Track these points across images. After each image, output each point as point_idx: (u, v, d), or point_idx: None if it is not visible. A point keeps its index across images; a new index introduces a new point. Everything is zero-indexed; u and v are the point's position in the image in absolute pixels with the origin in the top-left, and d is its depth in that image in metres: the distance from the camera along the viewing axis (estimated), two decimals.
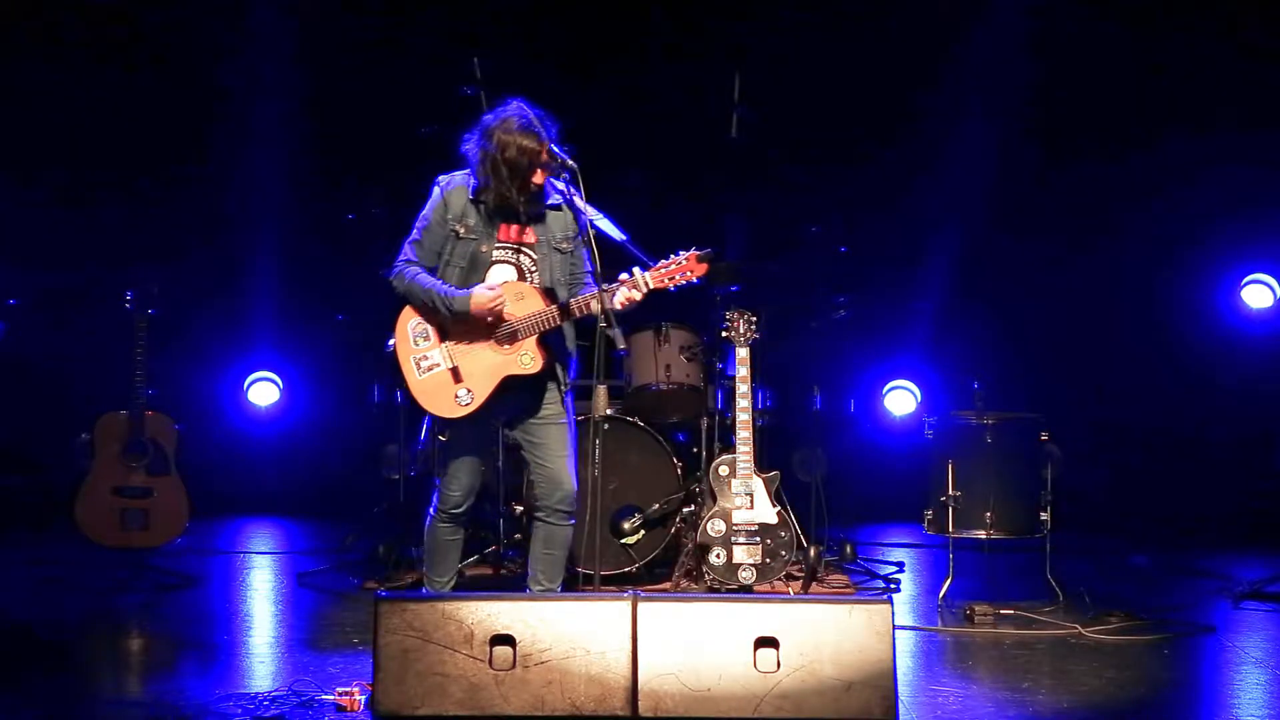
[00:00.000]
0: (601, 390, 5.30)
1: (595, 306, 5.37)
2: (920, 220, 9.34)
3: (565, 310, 5.46)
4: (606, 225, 5.71)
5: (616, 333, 5.40)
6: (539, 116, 5.44)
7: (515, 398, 5.57)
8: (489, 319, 5.44)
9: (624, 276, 5.48)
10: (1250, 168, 9.05)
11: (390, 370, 5.59)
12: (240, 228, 9.51)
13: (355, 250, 8.53)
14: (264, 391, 9.95)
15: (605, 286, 5.39)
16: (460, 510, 5.70)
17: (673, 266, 5.51)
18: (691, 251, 5.49)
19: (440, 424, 5.66)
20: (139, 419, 7.33)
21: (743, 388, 6.76)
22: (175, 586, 7.36)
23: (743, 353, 6.81)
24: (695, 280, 5.52)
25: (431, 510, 5.75)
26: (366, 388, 8.94)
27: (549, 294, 5.51)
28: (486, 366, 5.49)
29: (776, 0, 9.21)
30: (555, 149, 5.42)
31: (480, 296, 5.42)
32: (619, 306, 5.42)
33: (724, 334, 6.90)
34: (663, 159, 8.86)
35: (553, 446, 5.58)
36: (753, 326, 6.84)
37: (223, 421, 9.81)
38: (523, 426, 5.64)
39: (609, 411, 6.98)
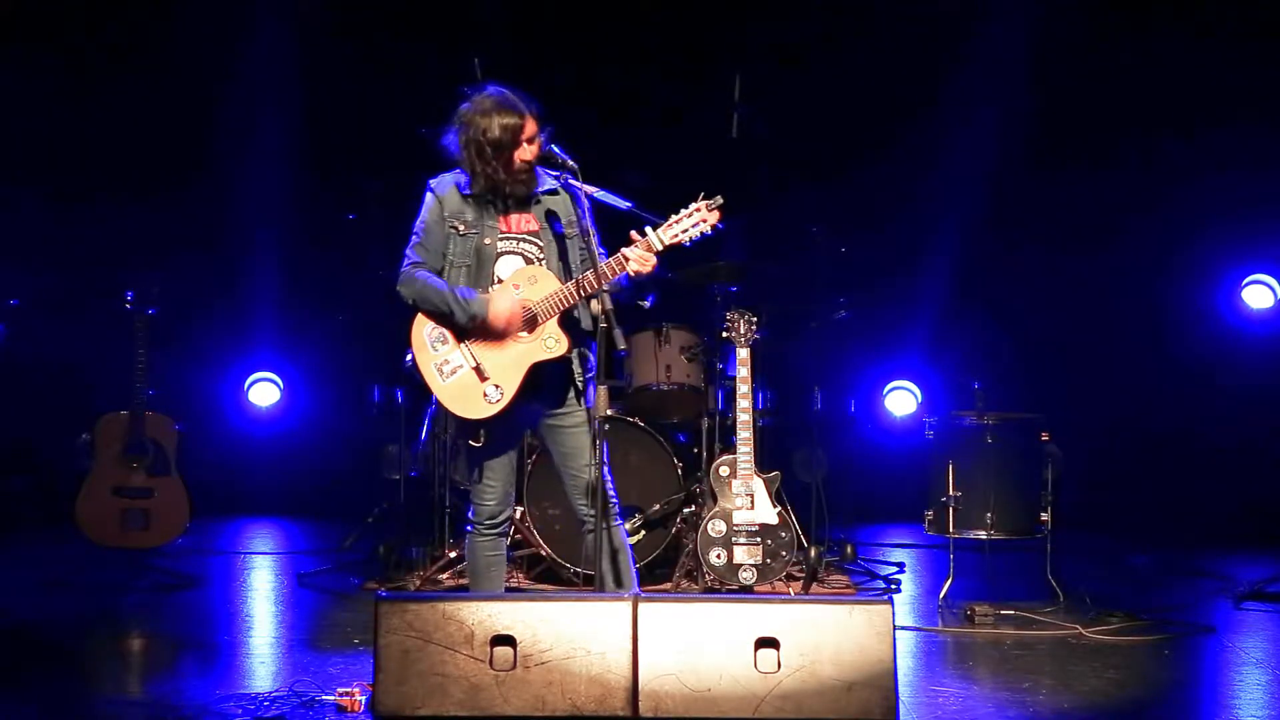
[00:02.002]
0: (602, 390, 5.20)
1: (616, 269, 5.17)
2: (921, 221, 9.35)
3: (582, 284, 5.21)
4: (606, 196, 5.38)
5: (618, 333, 5.36)
6: (519, 95, 5.28)
7: (541, 396, 5.35)
8: (505, 326, 5.25)
9: (635, 235, 5.23)
10: (1249, 169, 9.06)
11: (415, 383, 5.31)
12: (240, 228, 9.51)
13: (355, 251, 8.53)
14: (264, 391, 9.96)
15: (606, 267, 5.20)
16: (497, 521, 5.42)
17: (684, 219, 5.22)
18: (701, 200, 5.23)
19: (469, 430, 5.34)
20: (139, 419, 7.33)
21: (743, 388, 6.76)
22: (175, 586, 7.36)
23: (743, 353, 6.81)
24: (710, 230, 5.22)
25: (469, 527, 5.49)
26: (366, 388, 8.96)
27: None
28: (511, 357, 5.27)
29: (777, 2, 9.22)
30: (538, 126, 5.25)
31: (500, 306, 5.22)
32: (632, 273, 5.18)
33: (724, 334, 6.90)
34: (662, 160, 8.86)
35: (584, 455, 5.34)
36: (753, 327, 6.84)
37: (223, 421, 9.83)
38: (552, 435, 5.42)
39: (609, 412, 6.97)
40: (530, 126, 5.27)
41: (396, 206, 8.25)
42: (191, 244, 9.39)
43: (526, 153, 5.28)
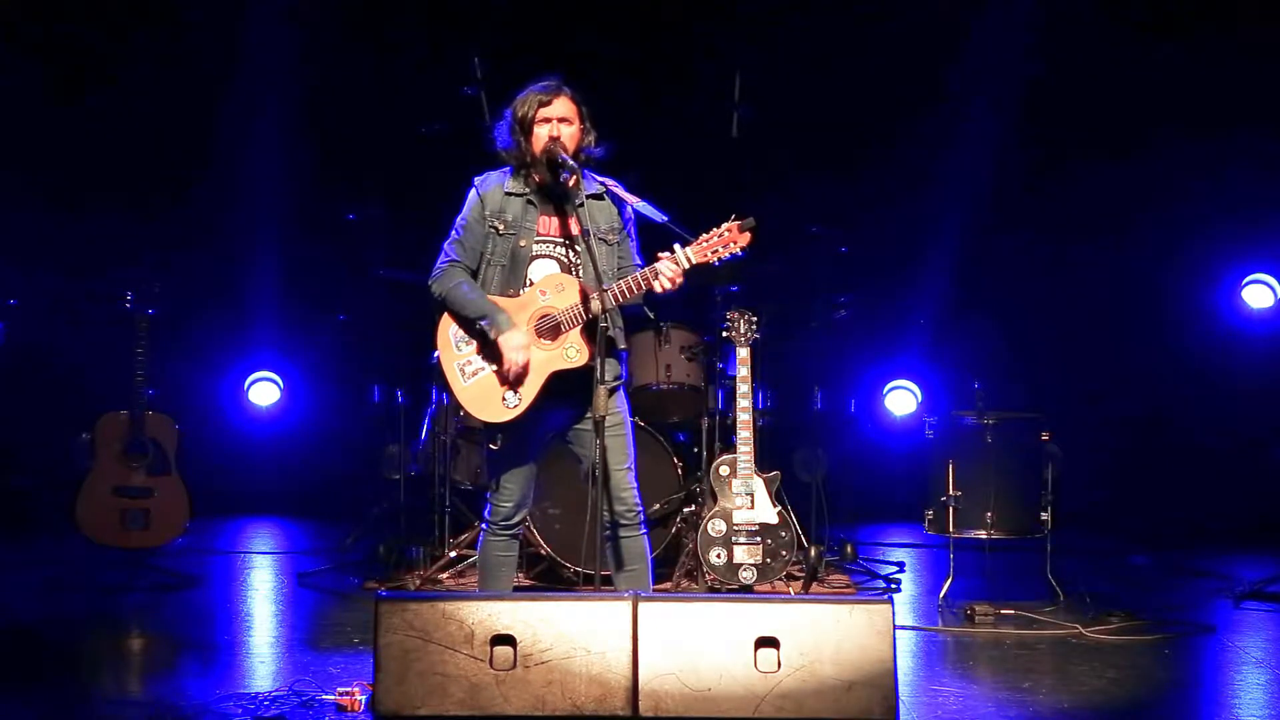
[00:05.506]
0: (602, 390, 5.19)
1: (643, 285, 5.14)
2: (921, 220, 9.35)
3: (606, 297, 5.14)
4: (646, 208, 5.32)
5: (619, 332, 5.35)
6: (566, 84, 5.31)
7: (566, 403, 5.30)
8: (508, 354, 5.20)
9: (663, 255, 5.17)
10: (1250, 168, 9.06)
11: (438, 381, 5.32)
12: (240, 228, 9.51)
13: (355, 250, 8.53)
14: (264, 391, 9.95)
15: (610, 285, 5.19)
16: (512, 523, 5.39)
17: (715, 239, 5.14)
18: (733, 221, 5.15)
19: (490, 432, 5.35)
20: (139, 419, 7.33)
21: (743, 388, 6.75)
22: (175, 586, 7.36)
23: (743, 353, 6.81)
24: (740, 252, 5.16)
25: (484, 525, 5.46)
26: (366, 388, 8.95)
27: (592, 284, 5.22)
28: (532, 365, 5.21)
29: (778, 2, 9.22)
30: (579, 117, 5.28)
31: (512, 341, 5.18)
32: (660, 289, 5.14)
33: (724, 334, 6.90)
34: (663, 159, 8.85)
35: (612, 458, 5.27)
36: (753, 326, 6.84)
37: (223, 421, 9.82)
38: (579, 440, 5.37)
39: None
40: (559, 106, 5.27)
41: (396, 206, 8.31)
42: (192, 244, 9.40)
43: (556, 130, 5.25)
